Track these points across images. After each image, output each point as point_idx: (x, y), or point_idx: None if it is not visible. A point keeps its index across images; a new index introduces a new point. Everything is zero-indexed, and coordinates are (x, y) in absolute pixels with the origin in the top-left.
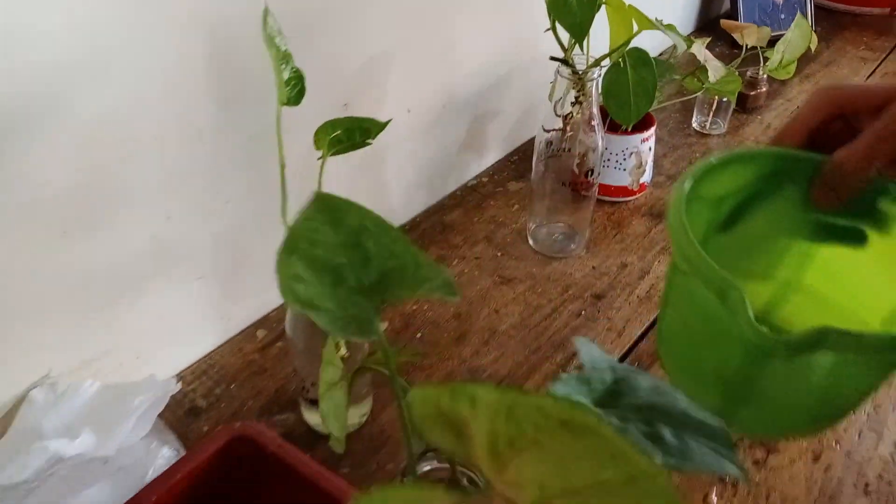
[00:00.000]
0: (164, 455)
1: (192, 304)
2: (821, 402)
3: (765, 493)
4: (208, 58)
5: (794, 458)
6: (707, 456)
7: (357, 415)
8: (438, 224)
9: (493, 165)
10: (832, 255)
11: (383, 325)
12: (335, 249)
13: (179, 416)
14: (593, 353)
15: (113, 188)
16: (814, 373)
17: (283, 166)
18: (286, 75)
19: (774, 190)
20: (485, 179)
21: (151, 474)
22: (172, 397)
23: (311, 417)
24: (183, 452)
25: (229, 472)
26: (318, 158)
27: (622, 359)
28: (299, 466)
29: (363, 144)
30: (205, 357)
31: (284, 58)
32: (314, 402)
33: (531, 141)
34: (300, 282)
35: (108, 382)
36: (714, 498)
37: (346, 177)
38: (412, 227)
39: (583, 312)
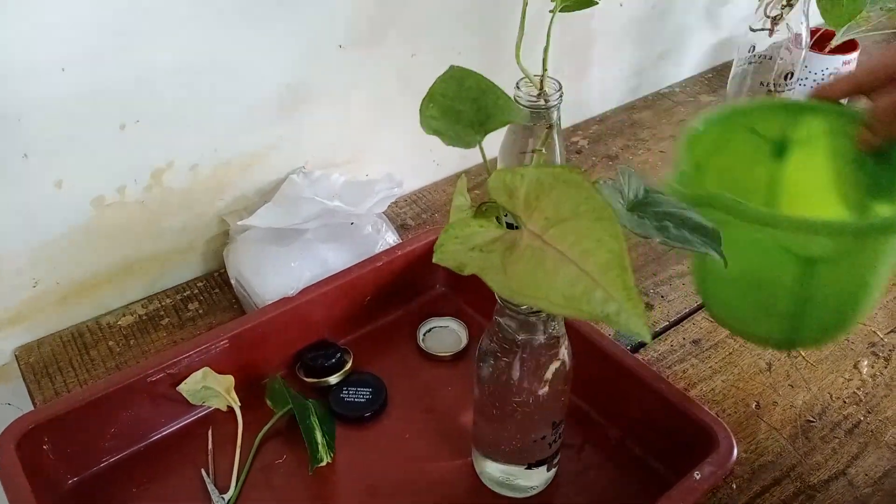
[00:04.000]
0: (390, 238)
1: (411, 142)
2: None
3: None
4: None
5: None
6: (697, 242)
7: None
8: (627, 120)
9: (687, 79)
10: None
11: None
12: (457, 100)
13: (395, 228)
14: (632, 177)
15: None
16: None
17: (525, 4)
18: None
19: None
20: (677, 90)
21: (380, 247)
22: (387, 214)
23: None
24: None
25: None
26: (550, 11)
27: None
28: None
29: (591, 3)
30: (416, 191)
31: None
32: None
33: (728, 63)
34: (434, 119)
35: None
36: (864, 367)
37: (552, 59)
38: (601, 120)
39: None
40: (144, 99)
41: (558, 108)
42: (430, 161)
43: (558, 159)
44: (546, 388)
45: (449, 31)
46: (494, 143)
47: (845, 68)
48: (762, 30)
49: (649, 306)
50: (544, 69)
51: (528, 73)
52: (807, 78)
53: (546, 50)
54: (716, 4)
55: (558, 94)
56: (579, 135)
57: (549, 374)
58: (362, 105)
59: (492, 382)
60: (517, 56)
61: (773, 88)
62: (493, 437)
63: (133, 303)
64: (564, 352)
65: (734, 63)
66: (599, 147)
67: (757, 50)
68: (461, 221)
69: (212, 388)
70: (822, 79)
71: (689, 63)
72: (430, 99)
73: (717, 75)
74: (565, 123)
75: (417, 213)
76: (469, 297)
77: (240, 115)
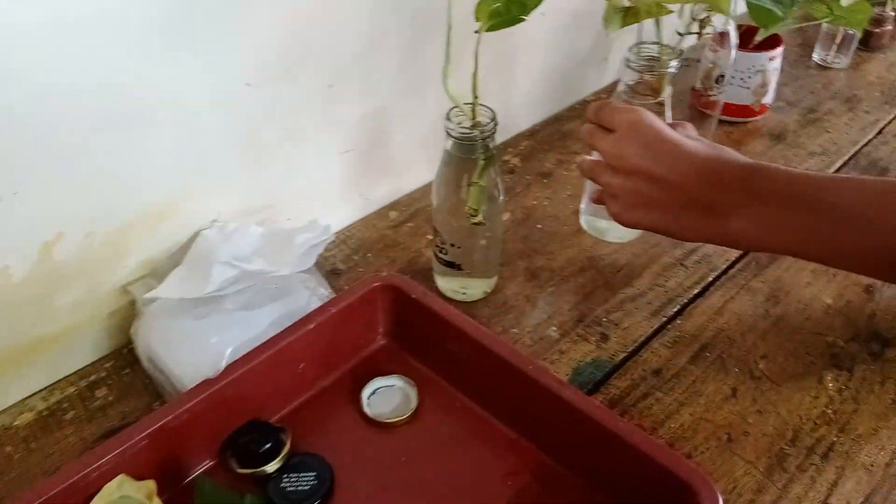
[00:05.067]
0: (320, 294)
1: (336, 176)
2: None
3: (880, 381)
4: None
5: None
6: None
7: (484, 286)
8: (557, 133)
9: (613, 83)
10: None
11: (507, 215)
12: None
13: (323, 274)
14: None
15: (298, 48)
16: None
17: (450, 28)
18: None
19: None
20: (604, 95)
21: (309, 308)
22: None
23: (443, 281)
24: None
25: (374, 315)
26: (476, 31)
27: (739, 258)
28: (441, 311)
29: (518, 20)
30: (343, 229)
31: None
32: (448, 264)
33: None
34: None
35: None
36: (829, 381)
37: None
38: (531, 134)
39: None
40: (23, 165)
41: (493, 136)
42: (357, 195)
43: (498, 192)
44: None
45: (368, 59)
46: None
47: (771, 65)
48: (690, 34)
49: (604, 337)
50: (475, 96)
51: (458, 101)
52: (734, 77)
53: (475, 76)
54: None
55: (492, 122)
56: (510, 152)
57: None
58: (276, 143)
59: None
60: (445, 84)
61: (703, 93)
62: None
63: (31, 396)
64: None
65: None
66: (532, 164)
67: (685, 54)
68: None
69: (130, 498)
70: (750, 77)
71: (616, 68)
72: None
73: None
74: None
75: (348, 255)
76: (415, 348)
77: (137, 169)
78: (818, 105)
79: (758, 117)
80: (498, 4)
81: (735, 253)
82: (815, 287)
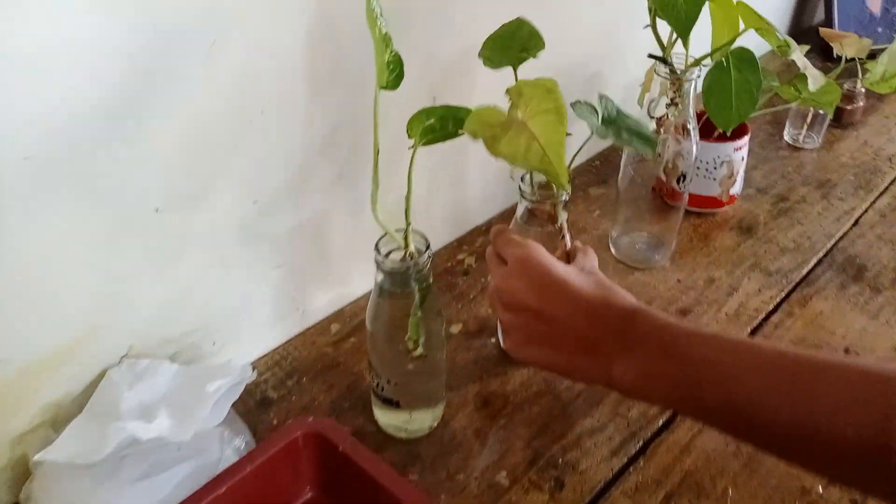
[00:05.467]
0: (236, 446)
1: (269, 293)
2: None
3: None
4: (309, 36)
5: None
6: (638, 144)
7: (429, 419)
8: None
9: (573, 169)
10: None
11: (458, 327)
12: (510, 39)
13: (250, 407)
14: (609, 103)
15: (213, 167)
16: None
17: (377, 152)
18: (386, 58)
19: None
20: None
21: (223, 464)
22: (244, 387)
23: (383, 417)
24: (254, 444)
25: (298, 466)
26: (410, 147)
27: None
28: (369, 468)
29: (455, 134)
30: (278, 347)
31: (384, 40)
32: (387, 401)
33: (614, 147)
34: (489, 49)
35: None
36: None
37: (427, 172)
38: (487, 228)
39: None
40: None
41: (430, 265)
42: (294, 309)
43: (439, 321)
44: None
45: (293, 170)
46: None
47: (737, 155)
48: None
49: (559, 483)
50: (408, 223)
51: (388, 228)
52: (699, 168)
53: (408, 198)
54: (593, 87)
55: (427, 253)
56: (465, 251)
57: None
58: (197, 265)
59: None
60: (374, 211)
61: (667, 184)
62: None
63: None
64: (567, 243)
65: (621, 161)
66: None
67: None
68: (486, 108)
69: None
70: (715, 168)
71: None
72: (491, 38)
73: (605, 162)
74: (447, 238)
75: (281, 380)
76: (345, 498)
77: (37, 311)
78: (790, 192)
79: (726, 207)
80: (432, 121)
81: None
82: None
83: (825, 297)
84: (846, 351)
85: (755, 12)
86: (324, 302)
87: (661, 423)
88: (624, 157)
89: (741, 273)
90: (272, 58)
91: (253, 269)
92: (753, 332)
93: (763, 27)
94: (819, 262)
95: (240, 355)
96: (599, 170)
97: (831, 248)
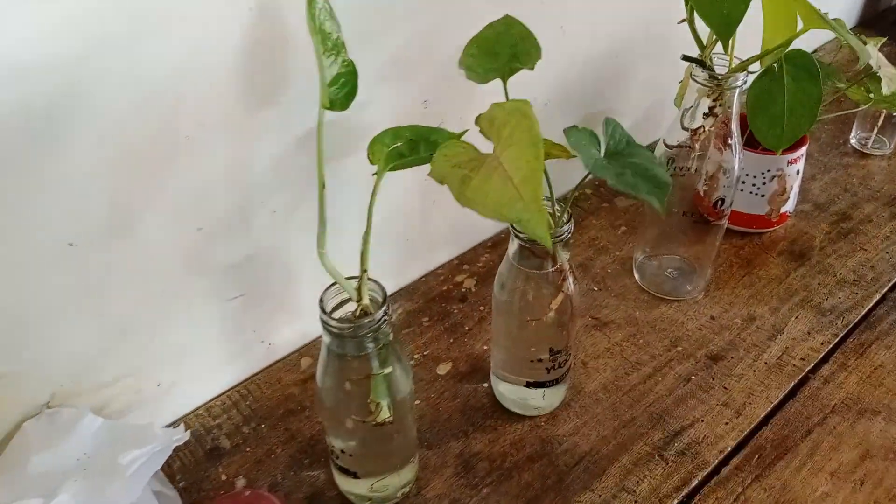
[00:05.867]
0: None
1: (225, 326)
2: None
3: None
4: (256, 44)
5: None
6: (643, 189)
7: (398, 485)
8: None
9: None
10: None
11: (447, 367)
12: (497, 44)
13: (199, 457)
14: (618, 130)
15: (135, 193)
16: None
17: (322, 186)
18: (333, 71)
19: None
20: (588, 191)
21: None
22: (194, 433)
23: (343, 484)
24: None
25: None
26: (374, 174)
27: (737, 449)
28: None
29: (430, 159)
30: (238, 385)
31: (334, 48)
32: (343, 470)
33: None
34: (472, 56)
35: (121, 411)
36: None
37: (422, 178)
38: (494, 244)
39: (692, 378)
40: None
41: (389, 320)
42: (257, 342)
43: (405, 377)
44: (551, 314)
45: (242, 194)
46: None
47: (791, 169)
48: (680, 146)
49: None
50: (363, 269)
51: (338, 276)
52: (743, 182)
53: (366, 238)
54: (626, 86)
55: (384, 308)
56: (465, 271)
57: (554, 304)
58: (130, 301)
59: (504, 305)
60: (321, 256)
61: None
62: (502, 357)
63: None
64: (570, 287)
65: None
66: (490, 287)
67: (677, 162)
68: (452, 143)
69: None
70: (764, 183)
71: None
72: (475, 40)
73: None
74: (446, 257)
75: (238, 426)
76: None
77: None
78: (853, 208)
79: (776, 227)
80: (399, 144)
81: (730, 440)
82: (835, 499)
83: (888, 346)
84: None
85: (815, 9)
86: (292, 334)
87: (676, 502)
88: (657, 152)
89: (788, 310)
90: (204, 71)
91: (203, 301)
92: (797, 388)
93: (827, 28)
94: (883, 298)
95: (191, 397)
96: None
97: None
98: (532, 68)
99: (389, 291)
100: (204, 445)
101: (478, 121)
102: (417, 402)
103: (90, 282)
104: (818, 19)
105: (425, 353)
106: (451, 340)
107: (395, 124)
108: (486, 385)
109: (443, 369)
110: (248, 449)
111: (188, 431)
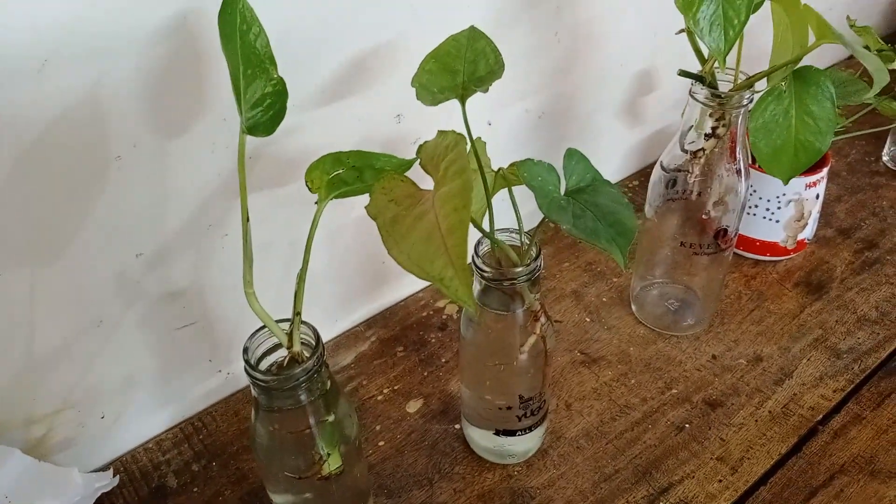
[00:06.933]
0: None
1: (175, 355)
2: None
3: None
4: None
5: None
6: (604, 237)
7: None
8: None
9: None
10: None
11: (418, 404)
12: (458, 59)
13: (143, 496)
14: (581, 163)
15: (61, 218)
16: None
17: (246, 219)
18: (257, 92)
19: None
20: None
21: None
22: (140, 469)
23: None
24: None
25: None
26: (316, 202)
27: None
28: None
29: (364, 191)
30: (192, 418)
31: (260, 64)
32: None
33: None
34: (428, 73)
35: (62, 444)
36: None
37: None
38: None
39: (686, 426)
40: None
41: (323, 369)
42: (215, 371)
43: (349, 431)
44: (523, 357)
45: (184, 219)
46: None
47: (810, 193)
48: (677, 171)
49: None
50: (296, 312)
51: (266, 319)
52: (756, 206)
53: (301, 277)
54: (635, 95)
55: (316, 355)
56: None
57: (525, 347)
58: (62, 332)
59: (471, 347)
60: (247, 294)
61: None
62: (470, 402)
63: None
64: (542, 328)
65: (647, 202)
66: None
67: (679, 185)
68: (390, 175)
69: None
70: (779, 208)
71: (609, 166)
72: (434, 54)
73: (644, 184)
74: None
75: (187, 463)
76: None
77: None
78: (880, 236)
79: (792, 255)
80: (340, 171)
81: (722, 500)
82: None
83: None
84: None
85: (826, 22)
86: None
87: None
88: (650, 192)
89: (800, 351)
90: (120, 85)
91: (148, 330)
92: (802, 441)
93: (840, 42)
94: None
95: (137, 431)
96: (638, 192)
97: None
98: (486, 91)
99: (362, 318)
100: (150, 483)
101: (419, 151)
102: (381, 443)
103: (14, 311)
104: (830, 33)
105: (395, 388)
106: (426, 374)
107: (365, 141)
108: (458, 426)
109: (413, 406)
110: (195, 489)
111: (116, 477)
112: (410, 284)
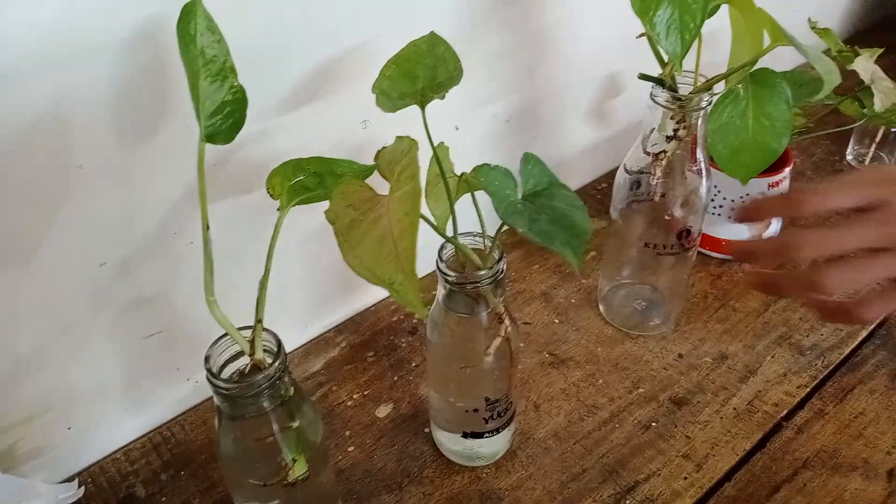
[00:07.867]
0: None
1: (143, 364)
2: None
3: None
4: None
5: None
6: (558, 241)
7: None
8: None
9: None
10: None
11: (388, 408)
12: (419, 65)
13: None
14: (537, 168)
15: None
16: None
17: (206, 227)
18: (216, 100)
19: None
20: None
21: None
22: (108, 478)
23: None
24: None
25: None
26: (278, 209)
27: None
28: None
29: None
30: (161, 427)
31: (220, 72)
32: None
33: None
34: (388, 79)
35: (30, 455)
36: None
37: None
38: None
39: (653, 425)
40: None
41: (286, 376)
42: (184, 379)
43: (314, 436)
44: (489, 359)
45: (151, 228)
46: None
47: (773, 192)
48: (640, 173)
49: None
50: (258, 319)
51: (229, 327)
52: (720, 206)
53: (263, 284)
54: (601, 100)
55: (278, 362)
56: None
57: (490, 350)
58: (26, 341)
59: (437, 350)
60: (209, 302)
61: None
62: (437, 405)
63: None
64: (507, 330)
65: (611, 205)
66: None
67: (642, 188)
68: (350, 182)
69: None
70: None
71: (575, 172)
72: (395, 59)
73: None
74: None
75: (156, 472)
76: None
77: None
78: None
79: None
80: (301, 177)
81: (687, 497)
82: None
83: (871, 391)
84: (890, 474)
85: (779, 26)
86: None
87: None
88: (615, 194)
89: (764, 348)
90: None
91: (115, 339)
92: (767, 437)
93: (791, 44)
94: (870, 335)
95: (106, 440)
96: (606, 195)
97: (887, 319)
98: (443, 98)
99: (332, 323)
100: (118, 494)
101: (377, 157)
102: (351, 448)
103: None
104: (782, 36)
105: (366, 393)
106: (396, 378)
107: (332, 147)
108: (427, 430)
109: (382, 411)
110: (164, 499)
111: (81, 487)
112: (381, 289)
